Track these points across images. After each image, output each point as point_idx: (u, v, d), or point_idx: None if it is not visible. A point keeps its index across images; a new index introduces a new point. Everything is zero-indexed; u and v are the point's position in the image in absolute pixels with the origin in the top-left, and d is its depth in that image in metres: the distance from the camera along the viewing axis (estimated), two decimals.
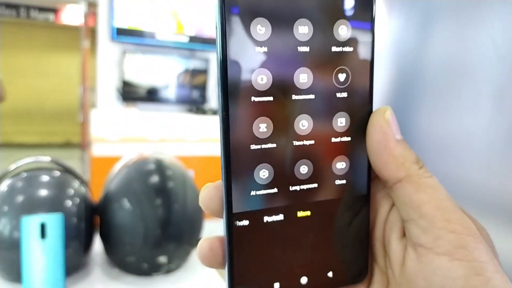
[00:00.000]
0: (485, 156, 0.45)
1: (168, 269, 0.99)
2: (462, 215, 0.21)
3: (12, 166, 0.99)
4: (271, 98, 0.20)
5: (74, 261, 0.94)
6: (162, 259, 0.95)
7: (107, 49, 3.41)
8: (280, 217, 0.21)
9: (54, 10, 5.84)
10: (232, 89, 0.19)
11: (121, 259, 0.97)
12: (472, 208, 0.46)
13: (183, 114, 3.59)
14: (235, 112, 0.19)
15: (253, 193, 0.21)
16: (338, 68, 0.22)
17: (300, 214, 0.22)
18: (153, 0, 3.32)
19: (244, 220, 0.20)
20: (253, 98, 0.20)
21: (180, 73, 3.57)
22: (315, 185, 0.22)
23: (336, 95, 0.22)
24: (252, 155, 0.20)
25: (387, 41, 0.64)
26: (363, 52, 0.22)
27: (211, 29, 3.51)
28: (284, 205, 0.21)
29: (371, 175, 0.23)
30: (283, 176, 0.21)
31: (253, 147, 0.20)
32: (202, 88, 3.65)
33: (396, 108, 0.55)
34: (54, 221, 0.85)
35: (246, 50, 0.19)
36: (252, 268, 0.21)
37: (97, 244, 1.04)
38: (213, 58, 3.66)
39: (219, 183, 0.21)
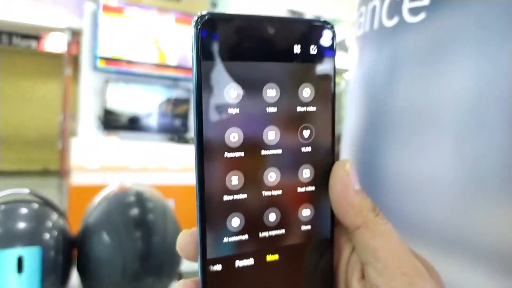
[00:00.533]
0: (448, 194, 0.48)
1: None
2: (413, 259, 0.23)
3: None
4: (242, 154, 0.22)
5: None
6: None
7: (90, 77, 3.42)
8: (251, 261, 0.23)
9: (37, 37, 5.84)
10: (206, 145, 0.21)
11: None
12: (436, 244, 0.48)
13: (164, 143, 3.59)
14: (209, 166, 0.21)
15: (225, 239, 0.22)
16: (303, 125, 0.24)
17: (269, 258, 0.23)
18: (136, 30, 3.37)
19: (217, 265, 0.22)
20: (226, 154, 0.22)
21: (162, 102, 3.59)
22: (283, 231, 0.24)
23: (301, 149, 0.24)
24: (224, 205, 0.22)
25: (358, 77, 0.68)
26: (325, 111, 0.24)
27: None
28: (254, 250, 0.23)
29: (335, 221, 0.25)
30: (253, 224, 0.23)
31: (225, 197, 0.22)
32: (184, 117, 3.67)
33: (365, 146, 0.59)
34: (31, 255, 0.85)
35: (219, 111, 0.22)
36: None
37: (74, 278, 1.03)
38: None
39: (195, 230, 0.23)
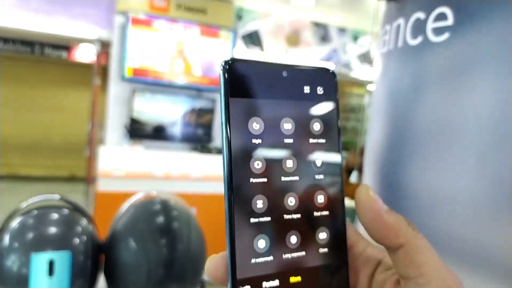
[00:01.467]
0: (470, 210, 0.49)
1: None
2: (452, 272, 0.24)
3: (23, 204, 1.03)
4: (265, 180, 0.25)
5: None
6: None
7: (118, 87, 3.51)
8: (276, 282, 0.24)
9: (67, 48, 6.03)
10: (235, 172, 0.24)
11: None
12: (458, 258, 0.49)
13: (188, 152, 3.64)
14: (237, 191, 0.24)
15: (253, 261, 0.24)
16: (315, 155, 0.27)
17: (292, 279, 0.25)
18: (163, 42, 3.46)
19: (246, 286, 0.24)
20: (251, 179, 0.24)
21: (187, 112, 3.65)
22: (303, 253, 0.25)
23: (315, 176, 0.26)
24: (251, 227, 0.24)
25: (383, 92, 0.69)
26: (333, 142, 0.27)
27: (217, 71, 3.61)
28: (278, 271, 0.25)
29: (347, 244, 0.27)
30: (277, 246, 0.25)
31: (252, 220, 0.24)
32: (208, 127, 3.72)
33: (389, 161, 0.60)
34: (62, 259, 0.88)
35: (245, 141, 0.24)
36: None
37: (101, 282, 1.06)
38: (218, 98, 3.74)
39: (223, 253, 0.25)
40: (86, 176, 5.03)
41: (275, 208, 0.25)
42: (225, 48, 3.65)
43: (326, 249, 0.26)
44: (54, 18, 3.52)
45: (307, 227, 0.26)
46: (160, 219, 1.02)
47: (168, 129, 3.63)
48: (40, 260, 0.86)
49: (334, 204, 0.27)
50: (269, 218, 0.25)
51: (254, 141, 0.24)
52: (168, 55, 3.51)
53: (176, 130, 3.65)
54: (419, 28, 0.58)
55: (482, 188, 0.45)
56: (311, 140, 0.26)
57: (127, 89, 3.52)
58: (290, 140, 0.26)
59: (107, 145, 3.53)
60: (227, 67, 0.24)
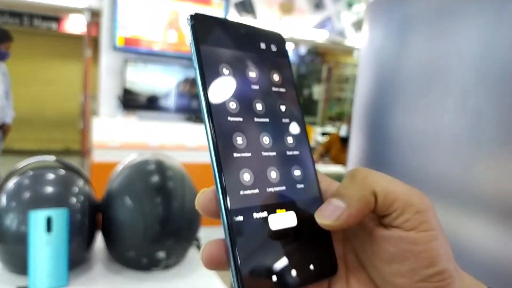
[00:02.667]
0: (451, 150, 0.51)
1: (167, 265, 1.03)
2: (416, 191, 0.26)
3: (19, 165, 1.04)
4: (241, 119, 0.27)
5: (77, 256, 0.98)
6: (161, 254, 1.00)
7: (109, 57, 3.48)
8: (265, 213, 0.26)
9: (57, 19, 5.92)
10: (213, 112, 0.26)
11: (121, 254, 1.02)
12: (440, 195, 0.51)
13: (182, 122, 3.65)
14: (218, 129, 0.26)
15: (241, 192, 0.26)
16: (279, 102, 0.30)
17: (279, 211, 0.27)
18: (155, 10, 3.40)
19: (239, 216, 0.25)
20: (229, 118, 0.27)
21: (180, 82, 3.63)
22: (284, 187, 0.28)
23: (282, 120, 0.29)
24: (235, 161, 0.26)
25: (370, 46, 0.70)
26: (291, 91, 0.31)
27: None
28: (265, 203, 0.26)
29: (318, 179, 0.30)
30: (260, 179, 0.27)
31: (235, 155, 0.26)
32: None
33: (375, 108, 0.61)
34: (59, 216, 0.90)
35: (219, 85, 0.27)
36: (251, 257, 0.25)
37: (99, 241, 1.08)
38: None
39: (214, 187, 0.26)
40: (80, 149, 5.02)
41: (253, 145, 0.27)
42: (218, 15, 3.60)
43: (302, 185, 0.29)
44: None
45: (283, 164, 0.28)
46: (155, 178, 1.03)
47: (161, 99, 3.62)
48: (38, 217, 0.88)
49: (301, 145, 0.30)
50: (249, 154, 0.27)
51: (227, 85, 0.27)
52: (160, 23, 3.46)
53: (170, 100, 3.64)
54: None
55: (462, 125, 0.47)
56: (274, 89, 0.30)
57: (119, 59, 3.49)
58: (256, 87, 0.29)
59: (101, 117, 3.52)
60: (193, 19, 0.27)
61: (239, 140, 0.26)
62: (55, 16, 5.83)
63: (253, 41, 0.30)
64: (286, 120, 0.30)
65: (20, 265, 0.92)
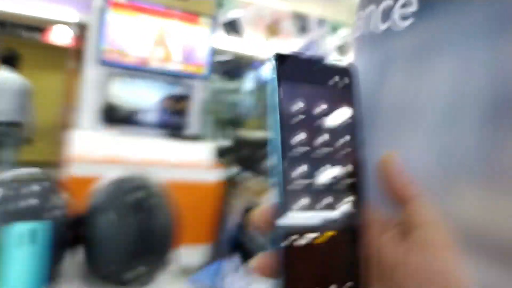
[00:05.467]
0: (421, 179, 0.55)
1: (146, 280, 1.04)
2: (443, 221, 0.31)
3: (1, 176, 1.04)
4: (308, 149, 0.30)
5: (57, 269, 0.98)
6: (141, 269, 1.00)
7: (94, 71, 3.47)
8: (317, 234, 0.29)
9: (41, 29, 5.88)
10: (286, 145, 0.29)
11: (101, 269, 1.02)
12: None
13: (163, 138, 3.65)
14: (287, 159, 0.29)
15: (298, 215, 0.29)
16: (343, 133, 0.32)
17: (328, 233, 0.30)
18: (143, 27, 3.44)
19: (294, 235, 0.28)
20: (298, 149, 0.30)
21: (164, 98, 3.65)
22: (336, 212, 0.30)
23: (344, 151, 0.32)
24: (297, 188, 0.29)
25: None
26: (355, 124, 0.33)
27: (197, 59, 3.63)
28: (318, 225, 0.29)
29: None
30: (316, 204, 0.30)
31: (296, 182, 0.29)
32: (184, 113, 3.73)
33: None
34: (42, 228, 0.90)
35: (292, 119, 0.30)
36: (301, 273, 0.28)
37: (78, 255, 1.08)
38: (197, 86, 3.77)
39: (268, 205, 0.30)
40: (56, 160, 4.94)
41: (314, 172, 0.30)
42: (205, 35, 3.66)
43: (350, 210, 0.31)
44: (32, 1, 3.44)
45: (338, 191, 0.31)
46: (139, 194, 1.05)
47: (144, 114, 3.62)
48: (20, 229, 0.88)
49: (357, 173, 0.32)
50: (309, 180, 0.30)
51: (298, 117, 0.30)
52: (148, 40, 3.49)
53: (153, 116, 3.64)
54: (387, 13, 0.64)
55: (431, 160, 0.52)
56: (341, 121, 0.32)
57: (103, 73, 3.49)
58: (326, 120, 0.31)
59: (81, 129, 3.50)
60: (277, 57, 0.30)
61: (301, 169, 0.29)
62: (39, 27, 5.80)
63: (325, 75, 0.32)
64: (346, 150, 0.32)
65: None
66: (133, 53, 3.45)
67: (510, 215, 0.49)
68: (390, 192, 0.32)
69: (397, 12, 0.59)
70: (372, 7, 0.67)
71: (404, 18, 0.58)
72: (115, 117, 3.54)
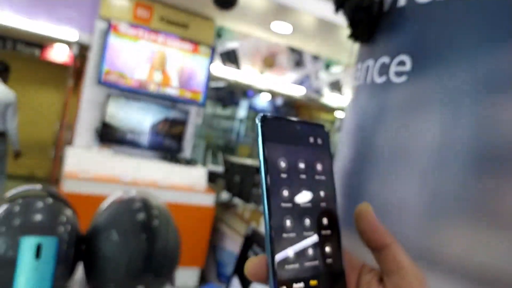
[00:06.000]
0: (413, 215, 0.61)
1: None
2: (418, 268, 0.34)
3: (7, 194, 1.08)
4: (290, 205, 0.33)
5: (59, 285, 1.01)
6: None
7: (93, 90, 3.53)
8: (301, 284, 0.33)
9: (41, 46, 5.95)
10: (272, 200, 0.33)
11: (101, 287, 1.06)
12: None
13: (156, 160, 3.69)
14: (274, 213, 0.32)
15: (287, 266, 0.32)
16: (320, 189, 0.35)
17: (312, 283, 0.33)
18: (143, 51, 3.53)
19: (283, 286, 0.32)
20: (282, 204, 0.33)
21: (160, 121, 3.71)
22: (317, 262, 0.34)
23: (320, 205, 0.35)
24: (284, 241, 0.32)
25: (352, 120, 0.82)
26: (330, 180, 0.37)
27: (194, 85, 3.72)
28: (303, 276, 0.33)
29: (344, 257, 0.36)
30: (301, 255, 0.33)
31: (284, 235, 0.33)
32: (179, 137, 3.79)
33: (354, 174, 0.72)
34: (49, 244, 0.95)
35: (277, 176, 0.33)
36: None
37: (79, 272, 1.12)
38: (193, 111, 3.85)
39: (262, 257, 0.33)
40: (47, 176, 4.92)
41: (298, 227, 0.34)
42: (203, 63, 3.76)
43: (331, 259, 0.35)
44: (35, 19, 3.52)
45: (318, 242, 0.34)
46: (141, 215, 1.10)
47: (139, 135, 3.67)
48: (28, 243, 0.93)
49: (334, 225, 0.36)
50: (294, 234, 0.33)
51: (282, 175, 0.34)
52: (147, 64, 3.58)
53: (148, 137, 3.70)
54: (384, 69, 0.72)
55: (423, 200, 0.58)
56: (317, 177, 0.35)
57: (102, 93, 3.55)
58: (304, 176, 0.35)
59: (76, 147, 3.53)
60: (263, 120, 0.34)
61: (288, 222, 0.33)
62: (39, 43, 5.86)
63: (304, 135, 0.36)
64: (323, 205, 0.35)
65: None
66: (132, 76, 3.53)
67: (495, 249, 0.56)
68: (367, 240, 0.34)
69: (392, 69, 0.68)
70: (370, 61, 0.76)
71: (399, 74, 0.66)
72: (111, 136, 3.58)
